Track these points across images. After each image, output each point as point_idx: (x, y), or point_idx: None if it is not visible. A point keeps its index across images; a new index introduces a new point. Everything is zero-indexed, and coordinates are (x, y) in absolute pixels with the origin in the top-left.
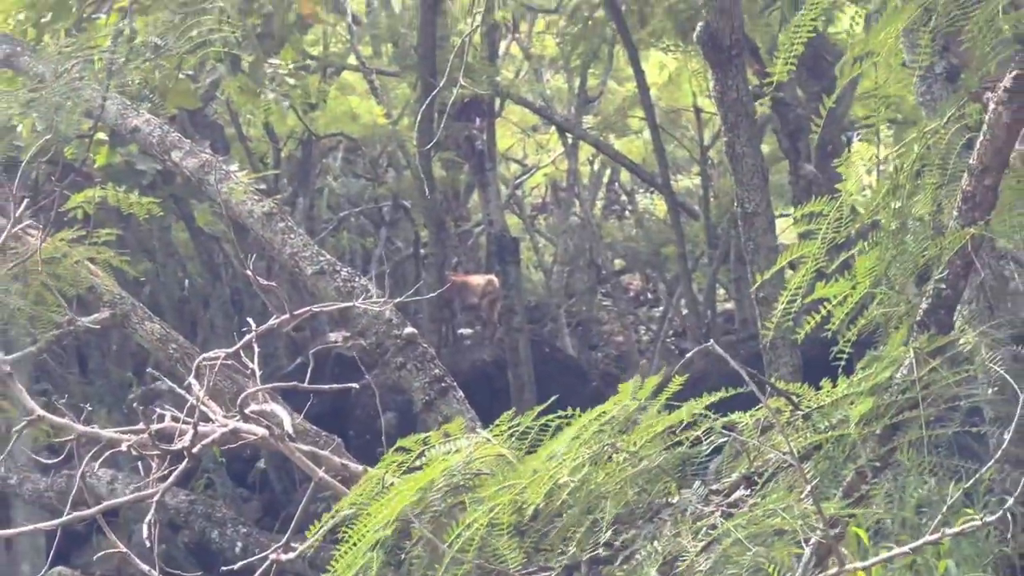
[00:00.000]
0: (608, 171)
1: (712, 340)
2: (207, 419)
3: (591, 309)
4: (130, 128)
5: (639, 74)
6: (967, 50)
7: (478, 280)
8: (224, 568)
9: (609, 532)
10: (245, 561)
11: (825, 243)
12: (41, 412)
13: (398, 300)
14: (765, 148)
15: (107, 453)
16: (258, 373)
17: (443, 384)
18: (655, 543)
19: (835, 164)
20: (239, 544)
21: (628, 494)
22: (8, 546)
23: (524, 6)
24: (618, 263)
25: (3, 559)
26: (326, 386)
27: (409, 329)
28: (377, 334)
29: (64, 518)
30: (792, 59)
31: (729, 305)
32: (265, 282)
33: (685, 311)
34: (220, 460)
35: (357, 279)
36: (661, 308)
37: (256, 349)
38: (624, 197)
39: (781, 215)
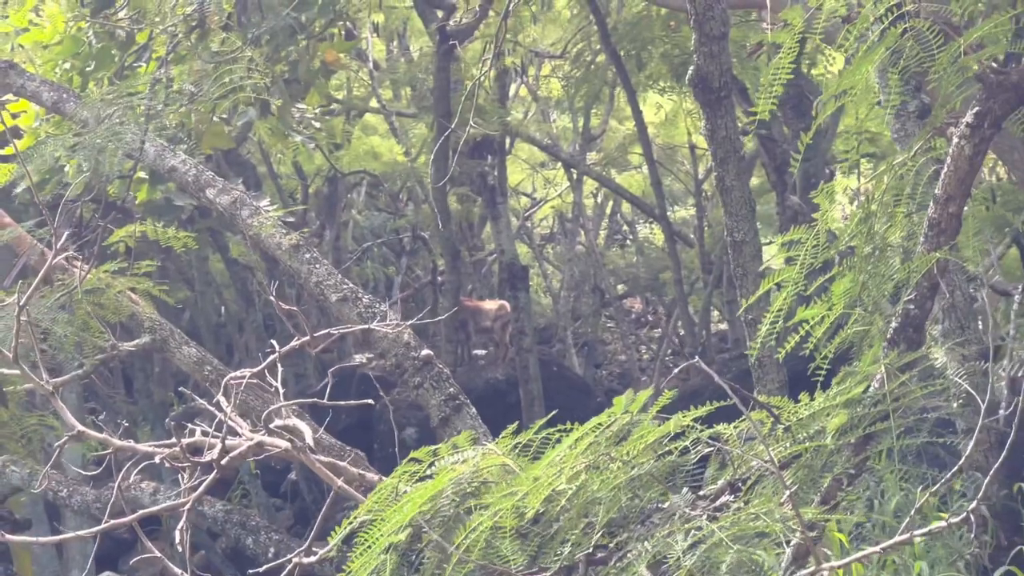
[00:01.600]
0: (610, 203)
1: (699, 358)
2: (235, 433)
3: (595, 331)
4: (168, 168)
5: (637, 114)
6: (934, 88)
7: (490, 305)
8: (251, 571)
9: (603, 535)
10: (271, 564)
11: (804, 268)
12: (81, 428)
13: (415, 323)
14: (753, 181)
15: (143, 465)
16: (282, 391)
17: (458, 401)
18: (645, 544)
19: (812, 195)
20: (272, 550)
21: (621, 500)
22: (59, 553)
23: (532, 52)
24: (620, 288)
25: (56, 566)
26: (345, 402)
27: (426, 351)
28: (396, 355)
29: (102, 526)
30: (774, 99)
31: (723, 326)
32: (288, 307)
33: (682, 332)
34: (255, 472)
35: (378, 305)
36: (660, 329)
37: (281, 369)
38: (625, 227)
39: (769, 242)
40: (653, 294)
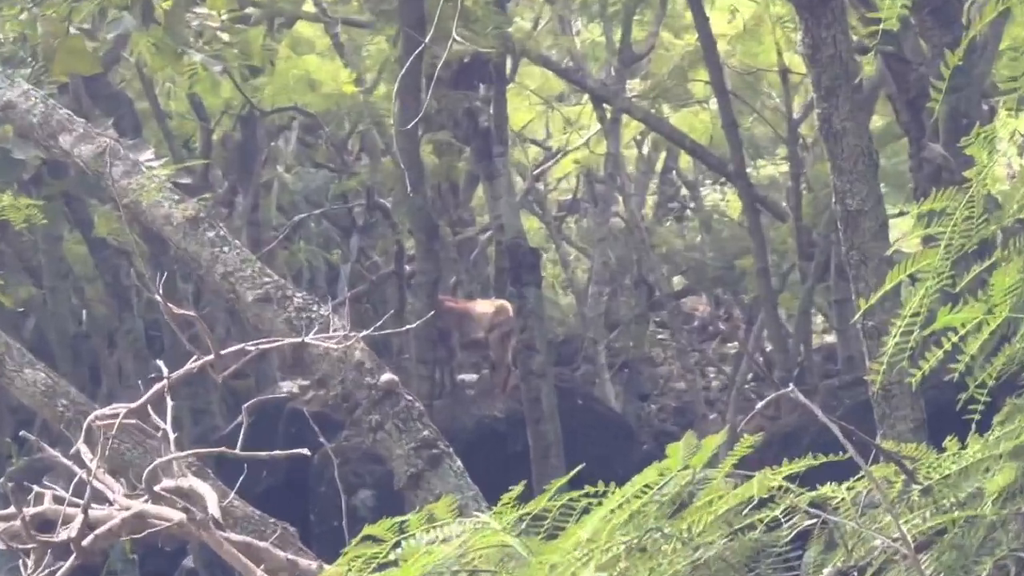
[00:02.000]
0: (662, 156)
1: (795, 385)
2: (104, 500)
3: (641, 345)
4: (3, 104)
5: (702, 22)
6: None
7: (484, 308)
8: None
9: None
10: None
11: (952, 252)
12: None
13: (373, 334)
14: (876, 123)
15: None
16: (173, 436)
17: (436, 450)
18: None
19: (963, 144)
20: None
21: None
22: None
23: None
24: (677, 281)
25: None
26: (269, 452)
27: (388, 376)
28: (344, 383)
29: None
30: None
31: (830, 338)
32: (181, 311)
33: (769, 347)
34: (131, 557)
35: (316, 307)
36: (736, 343)
37: (172, 403)
38: (684, 191)
39: (900, 213)
40: (726, 291)
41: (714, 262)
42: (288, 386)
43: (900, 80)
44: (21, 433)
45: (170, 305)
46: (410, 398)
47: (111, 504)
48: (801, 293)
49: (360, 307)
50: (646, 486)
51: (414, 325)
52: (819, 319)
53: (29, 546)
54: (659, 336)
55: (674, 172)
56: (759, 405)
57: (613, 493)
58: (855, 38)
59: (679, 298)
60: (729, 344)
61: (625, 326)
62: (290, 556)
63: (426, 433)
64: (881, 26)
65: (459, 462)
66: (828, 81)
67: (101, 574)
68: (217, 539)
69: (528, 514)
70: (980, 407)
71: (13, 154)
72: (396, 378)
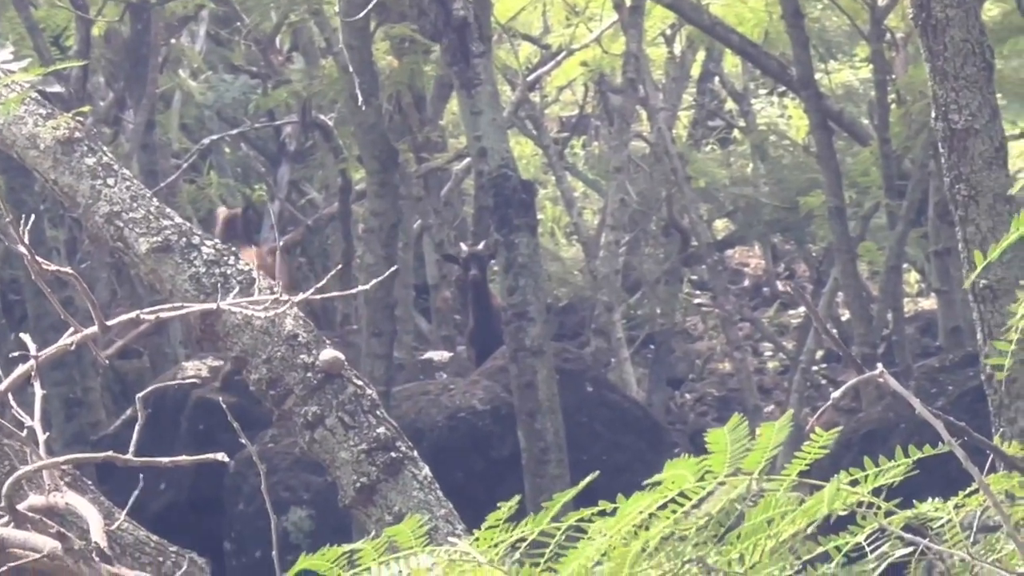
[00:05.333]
0: (700, 57)
1: (883, 367)
2: None
3: (671, 313)
4: None
5: None
6: None
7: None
8: None
9: None
10: None
11: None
12: None
13: (312, 296)
14: (989, 10)
15: None
16: (42, 436)
17: (394, 454)
18: None
19: None
20: None
21: None
22: None
23: None
24: (721, 226)
25: None
26: (170, 459)
27: (330, 353)
28: (271, 362)
29: None
30: None
31: (927, 303)
32: (52, 267)
33: (845, 314)
34: None
35: (234, 260)
36: (801, 309)
37: (42, 391)
38: (730, 105)
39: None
40: (786, 239)
41: (772, 199)
42: (195, 368)
43: None
44: None
45: (37, 258)
46: (360, 383)
47: None
48: (889, 242)
49: (293, 260)
50: (681, 494)
51: (367, 287)
52: (913, 277)
53: None
54: (696, 301)
55: (717, 79)
56: (835, 394)
57: (630, 501)
58: None
59: (723, 249)
60: (791, 312)
61: (650, 287)
62: None
63: (381, 430)
64: None
65: (426, 469)
66: None
67: None
68: (100, 575)
69: (522, 540)
70: None
71: None
72: (341, 356)
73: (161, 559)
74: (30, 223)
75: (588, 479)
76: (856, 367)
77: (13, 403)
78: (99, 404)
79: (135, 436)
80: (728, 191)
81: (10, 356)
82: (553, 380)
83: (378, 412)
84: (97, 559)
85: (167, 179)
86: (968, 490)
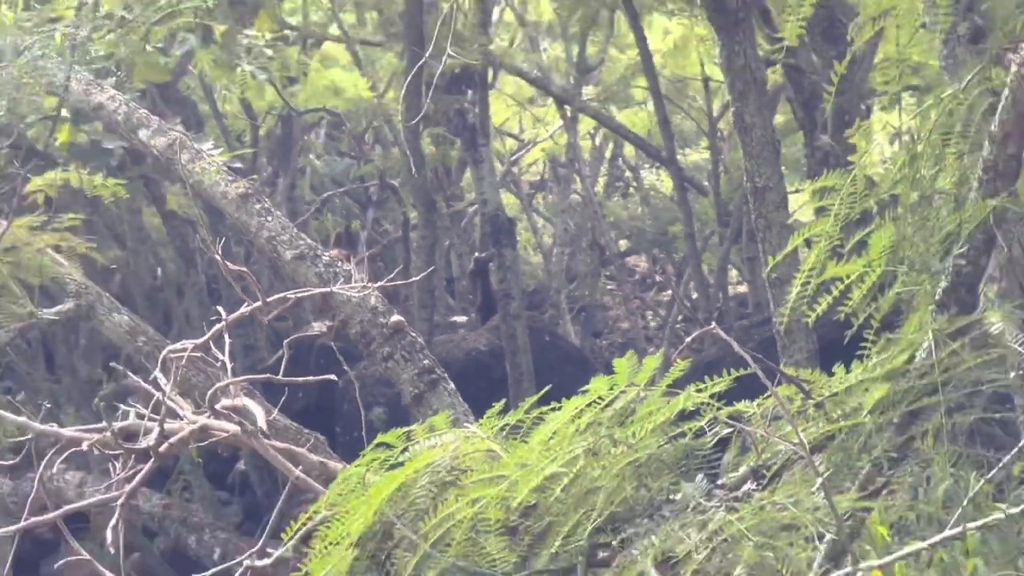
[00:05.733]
0: (611, 145)
1: (716, 324)
2: (175, 416)
3: (594, 294)
4: (94, 105)
5: (641, 41)
6: (990, 8)
7: None
8: None
9: (604, 530)
10: (217, 568)
11: (839, 220)
12: None
13: (384, 285)
14: (778, 119)
15: (67, 453)
16: (229, 366)
17: (433, 376)
18: (653, 539)
19: (847, 135)
20: (217, 551)
21: (626, 489)
22: None
23: None
24: (623, 244)
25: None
26: (303, 378)
27: (396, 317)
28: (362, 323)
29: (21, 524)
30: (802, 21)
31: (742, 288)
32: (235, 267)
33: (695, 294)
34: (197, 461)
35: (340, 264)
36: (669, 292)
37: (228, 340)
38: (628, 173)
39: (796, 190)
40: (661, 251)
41: (651, 228)
42: (318, 326)
43: (797, 85)
44: (110, 364)
45: (226, 263)
46: (413, 335)
47: (181, 419)
48: (719, 253)
49: (374, 265)
50: (599, 399)
51: (416, 279)
52: (734, 273)
53: (117, 452)
54: (608, 287)
55: (620, 158)
56: (687, 340)
57: (569, 403)
58: (762, 52)
59: (624, 257)
60: (663, 292)
61: (582, 279)
62: (320, 459)
63: (426, 362)
64: (783, 44)
65: (452, 385)
66: (740, 86)
67: (172, 475)
68: (264, 446)
69: (507, 425)
70: (861, 341)
71: (103, 144)
72: (403, 319)
73: (299, 438)
74: (221, 242)
75: (543, 391)
76: (701, 325)
77: (213, 347)
78: (263, 348)
79: (283, 366)
80: (627, 223)
81: (211, 320)
82: (526, 333)
83: (424, 351)
84: (261, 437)
85: (301, 218)
86: (765, 395)
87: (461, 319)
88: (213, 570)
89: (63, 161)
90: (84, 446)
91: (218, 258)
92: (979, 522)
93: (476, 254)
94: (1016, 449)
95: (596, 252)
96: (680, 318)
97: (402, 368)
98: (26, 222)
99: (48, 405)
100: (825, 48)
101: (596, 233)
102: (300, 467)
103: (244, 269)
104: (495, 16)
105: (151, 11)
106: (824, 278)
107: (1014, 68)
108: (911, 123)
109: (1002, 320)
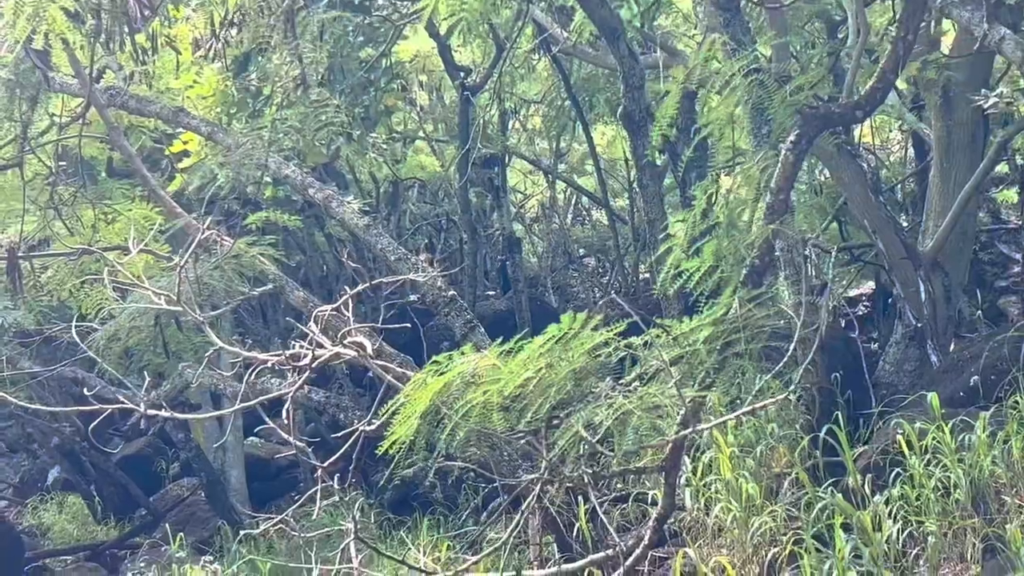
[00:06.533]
0: (575, 197)
1: (618, 295)
2: (322, 346)
3: (565, 278)
4: (284, 175)
5: (590, 139)
6: (775, 116)
7: None
8: (333, 435)
9: (556, 408)
10: (348, 430)
11: (687, 236)
12: (222, 344)
13: (443, 274)
14: (666, 181)
15: (260, 367)
16: (352, 319)
17: (472, 324)
18: (582, 413)
19: (694, 189)
20: (355, 422)
21: (568, 386)
22: (219, 424)
23: (521, 99)
24: (582, 251)
25: (217, 432)
26: (398, 326)
27: (452, 292)
28: (432, 295)
29: (236, 407)
30: (668, 127)
31: (647, 275)
32: (355, 264)
33: (620, 279)
34: (346, 372)
35: (422, 264)
36: (607, 277)
37: (352, 304)
38: (584, 212)
39: (677, 221)
40: (602, 255)
41: (597, 242)
42: (413, 297)
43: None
44: (287, 319)
45: (351, 262)
46: (461, 301)
47: (324, 347)
48: (633, 255)
49: (441, 264)
50: (553, 336)
51: (458, 268)
52: (643, 266)
53: (289, 367)
54: (573, 275)
55: (579, 204)
56: (600, 303)
57: (537, 338)
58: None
59: (582, 259)
60: (604, 278)
61: (558, 271)
62: (404, 370)
63: (468, 316)
64: (660, 139)
65: (482, 329)
66: (642, 163)
67: (331, 380)
68: (372, 363)
69: (505, 350)
70: (700, 303)
71: (291, 197)
72: (455, 293)
73: (393, 358)
74: (347, 250)
75: (524, 332)
76: (626, 296)
77: (343, 310)
78: (382, 311)
79: (380, 320)
80: (583, 240)
81: (343, 294)
82: (527, 301)
83: (467, 311)
84: (373, 357)
85: (403, 238)
86: (645, 333)
87: (491, 293)
88: (344, 432)
89: (267, 206)
90: (270, 363)
91: (346, 261)
92: (769, 400)
93: (500, 257)
94: (784, 359)
95: (566, 257)
96: (612, 292)
97: (454, 320)
98: (245, 240)
99: (258, 341)
100: (688, 139)
101: (566, 246)
102: (391, 374)
103: (359, 266)
104: (509, 125)
105: (315, 124)
106: (681, 267)
107: (783, 151)
108: (731, 183)
109: (786, 291)
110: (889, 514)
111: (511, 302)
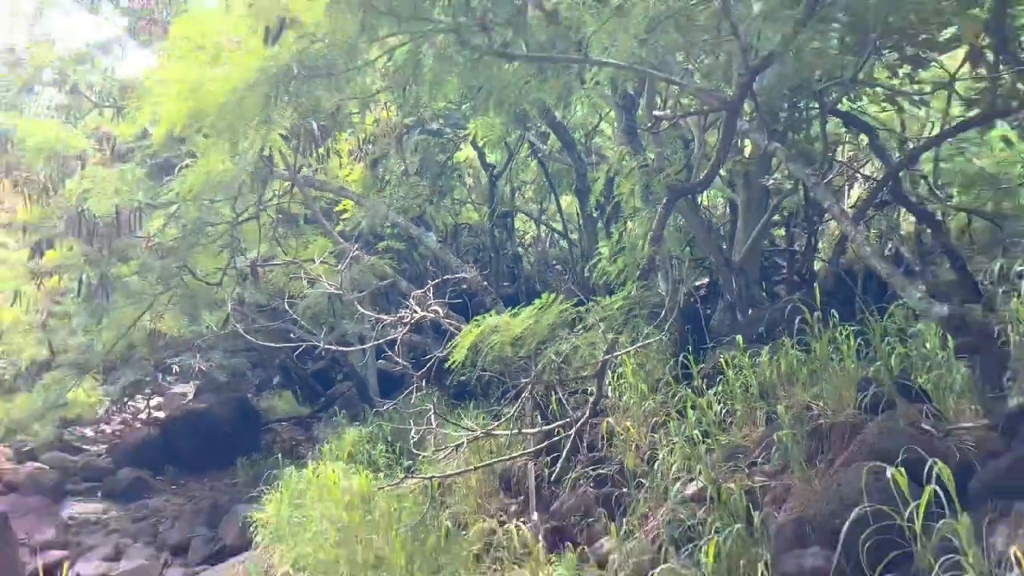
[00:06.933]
0: (550, 234)
1: (575, 286)
2: (415, 312)
3: (546, 277)
4: (396, 222)
5: (558, 202)
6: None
7: None
8: (424, 357)
9: (539, 345)
10: (430, 357)
11: (609, 253)
12: (364, 311)
13: (481, 274)
14: (599, 225)
15: (385, 323)
16: (432, 297)
17: (496, 301)
18: (552, 347)
19: (612, 229)
20: (435, 352)
21: (546, 332)
22: (363, 354)
23: (522, 181)
24: (555, 262)
25: (362, 358)
26: (454, 301)
27: (485, 283)
28: (476, 285)
29: (371, 343)
30: (598, 196)
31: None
32: (432, 269)
33: (575, 277)
34: (429, 325)
35: (470, 268)
36: (567, 276)
37: (431, 290)
38: (556, 242)
39: (603, 246)
40: (565, 264)
41: (562, 257)
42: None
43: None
44: (399, 298)
45: (434, 269)
46: (491, 288)
47: (417, 312)
48: (581, 263)
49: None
50: (538, 306)
51: (489, 271)
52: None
53: (399, 322)
54: (550, 275)
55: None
56: (565, 288)
57: (528, 308)
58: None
59: (555, 266)
60: (566, 276)
61: (542, 273)
62: (461, 325)
63: (493, 296)
64: (594, 201)
65: (501, 304)
66: (586, 220)
67: (424, 330)
68: (444, 321)
69: (514, 315)
70: (616, 288)
71: (400, 234)
72: (487, 284)
73: (455, 319)
74: (429, 261)
75: (522, 306)
76: (579, 286)
77: (428, 293)
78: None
79: (447, 298)
80: (555, 256)
81: (427, 284)
82: (527, 287)
83: (493, 294)
84: (442, 316)
85: (461, 256)
86: (591, 305)
87: (506, 284)
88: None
89: (387, 238)
90: (388, 321)
91: (430, 267)
92: (640, 343)
93: (510, 265)
94: (659, 319)
95: (546, 265)
96: (570, 284)
97: (486, 298)
98: (376, 257)
99: (382, 309)
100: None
101: (546, 259)
102: (453, 326)
103: (436, 270)
104: (515, 195)
105: (413, 195)
106: (605, 271)
107: (659, 209)
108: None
109: (662, 283)
110: (716, 400)
111: (517, 289)
